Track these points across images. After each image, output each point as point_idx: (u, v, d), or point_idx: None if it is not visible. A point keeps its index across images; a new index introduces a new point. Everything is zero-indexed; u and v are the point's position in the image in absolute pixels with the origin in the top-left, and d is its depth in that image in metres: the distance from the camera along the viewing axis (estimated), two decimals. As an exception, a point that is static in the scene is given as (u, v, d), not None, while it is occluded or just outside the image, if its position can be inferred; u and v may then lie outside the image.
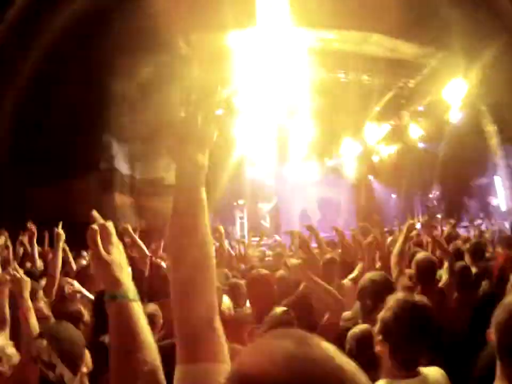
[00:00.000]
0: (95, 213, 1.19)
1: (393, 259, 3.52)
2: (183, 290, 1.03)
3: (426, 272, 3.39)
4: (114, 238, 1.19)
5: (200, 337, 0.99)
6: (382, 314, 1.96)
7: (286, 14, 10.82)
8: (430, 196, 15.00)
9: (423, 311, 1.96)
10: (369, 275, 2.96)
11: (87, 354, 1.85)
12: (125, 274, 1.15)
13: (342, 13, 10.53)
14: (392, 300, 1.98)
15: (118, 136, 10.63)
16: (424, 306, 1.98)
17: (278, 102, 14.00)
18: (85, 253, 5.92)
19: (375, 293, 2.65)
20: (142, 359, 1.05)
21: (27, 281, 2.56)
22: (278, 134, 16.19)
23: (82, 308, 3.21)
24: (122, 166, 10.80)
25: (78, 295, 3.91)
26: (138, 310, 1.12)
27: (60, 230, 4.25)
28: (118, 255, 1.16)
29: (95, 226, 1.16)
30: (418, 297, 2.07)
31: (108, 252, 1.14)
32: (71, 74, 8.97)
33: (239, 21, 11.06)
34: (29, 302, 2.50)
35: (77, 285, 4.06)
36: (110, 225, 1.20)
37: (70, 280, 4.24)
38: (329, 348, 0.62)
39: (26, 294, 2.50)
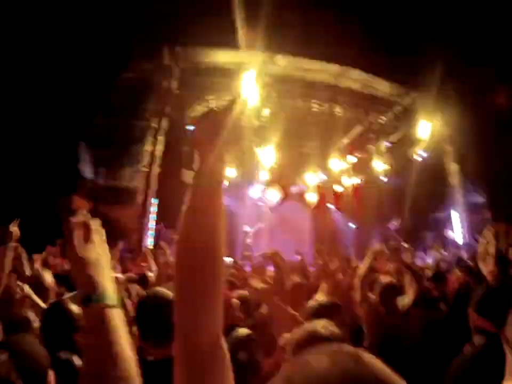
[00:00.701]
0: (77, 199, 1.08)
1: (357, 283, 3.56)
2: (191, 301, 0.89)
3: (389, 297, 3.50)
4: (97, 236, 1.09)
5: (207, 358, 0.86)
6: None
7: (266, 40, 11.04)
8: (389, 225, 15.37)
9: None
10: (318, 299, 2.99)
11: (51, 375, 1.59)
12: (105, 276, 1.03)
13: (323, 45, 10.86)
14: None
15: (86, 140, 10.37)
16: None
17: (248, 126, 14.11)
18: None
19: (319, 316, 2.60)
20: (114, 375, 0.90)
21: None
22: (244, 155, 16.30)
23: (32, 316, 3.02)
24: (86, 169, 10.51)
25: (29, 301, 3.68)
26: (117, 318, 0.99)
27: (14, 228, 4.03)
28: (96, 255, 1.05)
29: (74, 219, 1.06)
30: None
31: (86, 250, 1.04)
32: (43, 76, 8.73)
33: (221, 40, 11.20)
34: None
35: (27, 289, 3.84)
36: (94, 221, 1.10)
37: (20, 284, 4.01)
38: (382, 365, 0.57)
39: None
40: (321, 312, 2.71)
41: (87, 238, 1.06)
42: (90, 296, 0.99)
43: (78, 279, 1.05)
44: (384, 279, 3.99)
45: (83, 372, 0.96)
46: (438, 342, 2.94)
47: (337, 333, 1.99)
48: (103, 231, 1.11)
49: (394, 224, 15.25)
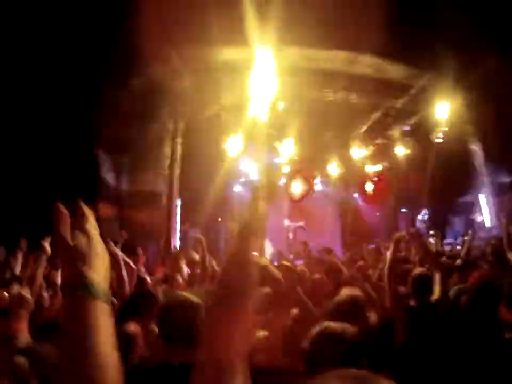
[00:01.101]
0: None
1: (385, 273, 3.54)
2: (226, 314, 0.93)
3: (423, 287, 3.43)
4: (90, 227, 1.05)
5: (228, 373, 0.85)
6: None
7: (274, 32, 11.00)
8: (419, 217, 15.12)
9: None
10: (338, 298, 2.94)
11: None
12: (96, 267, 0.97)
13: (332, 33, 10.74)
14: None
15: (105, 147, 10.57)
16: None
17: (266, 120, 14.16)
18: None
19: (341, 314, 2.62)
20: (85, 372, 0.84)
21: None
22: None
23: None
24: (108, 176, 10.72)
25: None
26: (101, 312, 0.92)
27: (46, 243, 4.27)
28: (87, 244, 1.00)
29: (61, 206, 1.05)
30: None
31: (74, 238, 0.99)
32: (58, 81, 8.91)
33: (229, 37, 11.20)
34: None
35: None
36: (88, 212, 1.09)
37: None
38: None
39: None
40: (339, 311, 2.71)
41: (79, 227, 1.04)
42: (75, 284, 0.93)
43: (64, 266, 1.03)
44: (417, 270, 3.89)
45: (59, 366, 0.92)
46: (462, 336, 2.86)
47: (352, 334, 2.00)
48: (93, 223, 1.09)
49: (424, 214, 15.00)
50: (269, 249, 13.94)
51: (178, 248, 12.67)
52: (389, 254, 3.79)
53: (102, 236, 1.09)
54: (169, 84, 11.73)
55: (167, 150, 12.80)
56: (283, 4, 9.70)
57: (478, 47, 9.98)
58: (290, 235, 16.02)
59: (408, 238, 4.62)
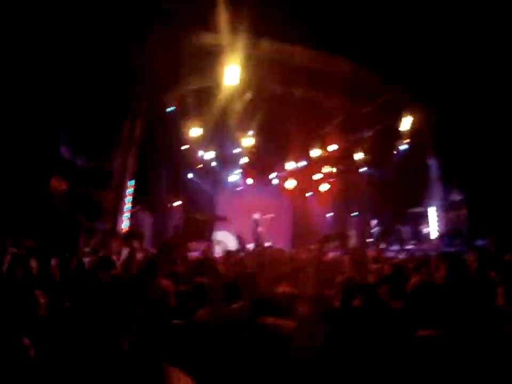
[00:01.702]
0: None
1: (310, 274, 3.56)
2: None
3: (346, 293, 3.43)
4: None
5: None
6: None
7: (248, 23, 10.83)
8: (373, 222, 15.50)
9: None
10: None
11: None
12: None
13: (307, 30, 10.71)
14: None
15: (64, 120, 9.98)
16: None
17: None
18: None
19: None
20: None
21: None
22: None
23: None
24: (64, 150, 10.14)
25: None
26: None
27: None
28: None
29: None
30: None
31: None
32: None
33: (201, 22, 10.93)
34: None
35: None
36: None
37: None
38: None
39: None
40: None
41: None
42: None
43: None
44: (344, 274, 3.98)
45: None
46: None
47: None
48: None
49: (373, 224, 15.42)
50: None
51: (124, 230, 12.36)
52: (315, 255, 3.79)
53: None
54: (136, 62, 11.24)
55: (127, 129, 12.31)
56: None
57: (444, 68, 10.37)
58: (259, 228, 16.05)
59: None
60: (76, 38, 8.92)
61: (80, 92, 10.01)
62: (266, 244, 12.23)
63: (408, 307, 3.24)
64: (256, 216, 16.35)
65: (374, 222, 15.33)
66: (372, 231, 15.29)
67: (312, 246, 10.76)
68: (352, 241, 13.93)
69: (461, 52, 9.74)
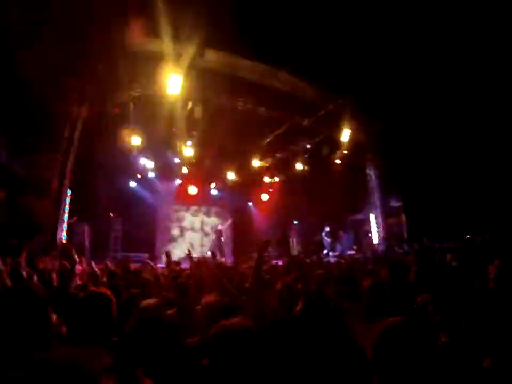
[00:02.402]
0: None
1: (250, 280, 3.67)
2: None
3: (286, 299, 3.57)
4: None
5: None
6: None
7: (196, 32, 10.92)
8: (326, 229, 15.88)
9: None
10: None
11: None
12: None
13: (253, 43, 10.99)
14: None
15: (3, 123, 9.40)
16: None
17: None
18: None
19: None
20: None
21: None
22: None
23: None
24: (2, 155, 9.53)
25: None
26: None
27: None
28: None
29: None
30: None
31: None
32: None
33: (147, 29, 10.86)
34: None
35: None
36: None
37: None
38: None
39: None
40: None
41: None
42: None
43: None
44: (283, 281, 4.04)
45: None
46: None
47: None
48: None
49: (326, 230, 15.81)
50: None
51: (64, 241, 11.80)
52: (254, 261, 3.77)
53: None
54: (77, 66, 10.87)
55: (66, 134, 11.83)
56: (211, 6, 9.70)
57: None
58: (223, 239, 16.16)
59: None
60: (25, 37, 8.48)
61: (18, 96, 9.53)
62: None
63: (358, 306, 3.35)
64: (220, 226, 16.47)
65: (327, 229, 15.74)
66: (324, 237, 15.67)
67: (254, 255, 10.97)
68: (294, 248, 14.27)
69: (398, 64, 10.41)
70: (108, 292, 2.78)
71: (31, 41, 9.10)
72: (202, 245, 17.72)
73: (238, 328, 1.95)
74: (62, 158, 11.91)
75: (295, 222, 17.38)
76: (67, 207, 12.72)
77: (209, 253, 14.07)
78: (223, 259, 12.10)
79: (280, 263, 10.07)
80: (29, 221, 9.82)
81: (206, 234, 18.10)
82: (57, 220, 11.70)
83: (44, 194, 10.98)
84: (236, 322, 2.00)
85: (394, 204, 13.88)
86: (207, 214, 18.38)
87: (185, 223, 18.04)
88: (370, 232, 14.79)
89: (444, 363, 2.14)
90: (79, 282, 5.74)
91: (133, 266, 9.66)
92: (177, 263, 9.27)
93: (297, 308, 3.25)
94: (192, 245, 16.53)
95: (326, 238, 15.37)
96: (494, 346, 2.29)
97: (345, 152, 13.33)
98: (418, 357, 1.67)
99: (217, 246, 15.64)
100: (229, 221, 16.95)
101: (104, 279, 5.89)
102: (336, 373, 2.57)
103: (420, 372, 1.64)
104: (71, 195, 12.84)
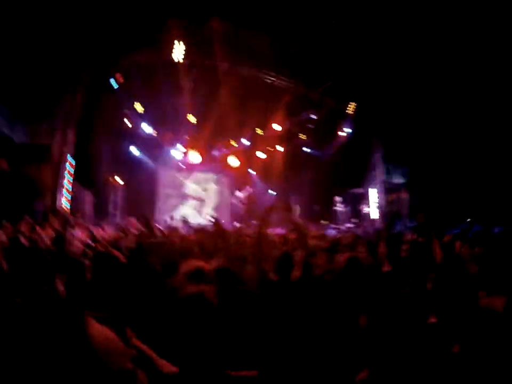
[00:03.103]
0: None
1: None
2: None
3: (283, 267, 3.58)
4: None
5: None
6: None
7: None
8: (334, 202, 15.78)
9: None
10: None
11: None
12: None
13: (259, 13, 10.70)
14: None
15: (2, 91, 9.24)
16: None
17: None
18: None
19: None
20: None
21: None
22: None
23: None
24: (2, 125, 9.44)
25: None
26: None
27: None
28: None
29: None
30: None
31: None
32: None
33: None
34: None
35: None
36: None
37: None
38: None
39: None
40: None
41: None
42: None
43: None
44: (279, 250, 4.07)
45: None
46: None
47: None
48: None
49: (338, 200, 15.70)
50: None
51: (64, 209, 11.84)
52: (256, 228, 3.94)
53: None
54: (79, 31, 10.59)
55: (68, 102, 11.68)
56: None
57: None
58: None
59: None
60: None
61: (17, 62, 9.34)
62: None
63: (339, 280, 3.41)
64: (239, 193, 16.57)
65: (339, 199, 15.70)
66: (338, 208, 15.58)
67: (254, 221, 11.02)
68: (297, 215, 14.24)
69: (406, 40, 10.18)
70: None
71: None
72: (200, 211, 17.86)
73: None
74: (62, 125, 11.81)
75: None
76: (68, 174, 12.71)
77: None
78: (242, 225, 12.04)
79: (278, 230, 10.14)
80: (30, 189, 9.84)
81: (204, 201, 18.22)
82: (57, 187, 11.72)
83: (44, 162, 10.95)
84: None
85: (397, 180, 13.80)
86: (210, 181, 18.36)
87: (187, 190, 18.07)
88: (368, 206, 14.80)
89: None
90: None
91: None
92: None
93: (293, 275, 3.39)
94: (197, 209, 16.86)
95: (340, 208, 15.24)
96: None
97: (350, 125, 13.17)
98: None
99: (238, 212, 15.85)
100: (248, 188, 16.99)
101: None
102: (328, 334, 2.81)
103: None
104: (75, 164, 12.81)
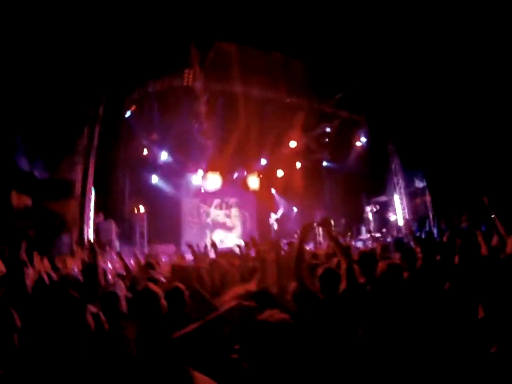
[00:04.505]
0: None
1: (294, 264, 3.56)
2: None
3: (328, 283, 3.45)
4: None
5: None
6: None
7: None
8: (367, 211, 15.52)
9: None
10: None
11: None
12: None
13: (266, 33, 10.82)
14: None
15: (21, 131, 9.50)
16: None
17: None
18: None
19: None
20: None
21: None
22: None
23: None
24: (22, 162, 9.66)
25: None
26: None
27: None
28: None
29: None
30: None
31: None
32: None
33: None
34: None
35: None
36: None
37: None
38: None
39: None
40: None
41: None
42: None
43: None
44: (324, 265, 3.89)
45: None
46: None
47: None
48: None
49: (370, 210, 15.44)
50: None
51: (91, 240, 11.95)
52: (296, 243, 3.76)
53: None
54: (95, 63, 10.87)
55: (85, 138, 11.92)
56: None
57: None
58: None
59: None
60: (34, 42, 8.51)
61: (36, 100, 9.60)
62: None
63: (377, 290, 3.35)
64: (275, 215, 16.64)
65: (370, 207, 15.25)
66: (369, 217, 15.23)
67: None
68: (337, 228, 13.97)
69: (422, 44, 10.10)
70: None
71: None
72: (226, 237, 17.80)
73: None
74: (83, 159, 12.03)
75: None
76: (92, 206, 12.89)
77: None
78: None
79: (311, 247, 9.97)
80: (55, 225, 9.96)
81: (230, 228, 18.19)
82: (83, 220, 11.86)
83: (68, 196, 11.12)
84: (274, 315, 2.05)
85: (418, 184, 13.50)
86: (232, 205, 18.35)
87: (209, 219, 18.12)
88: (395, 214, 14.46)
89: None
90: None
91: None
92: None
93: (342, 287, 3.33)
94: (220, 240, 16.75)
95: (371, 217, 14.91)
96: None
97: (366, 134, 13.02)
98: None
99: (268, 234, 15.81)
100: (282, 209, 17.00)
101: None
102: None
103: None
104: (95, 195, 13.00)
